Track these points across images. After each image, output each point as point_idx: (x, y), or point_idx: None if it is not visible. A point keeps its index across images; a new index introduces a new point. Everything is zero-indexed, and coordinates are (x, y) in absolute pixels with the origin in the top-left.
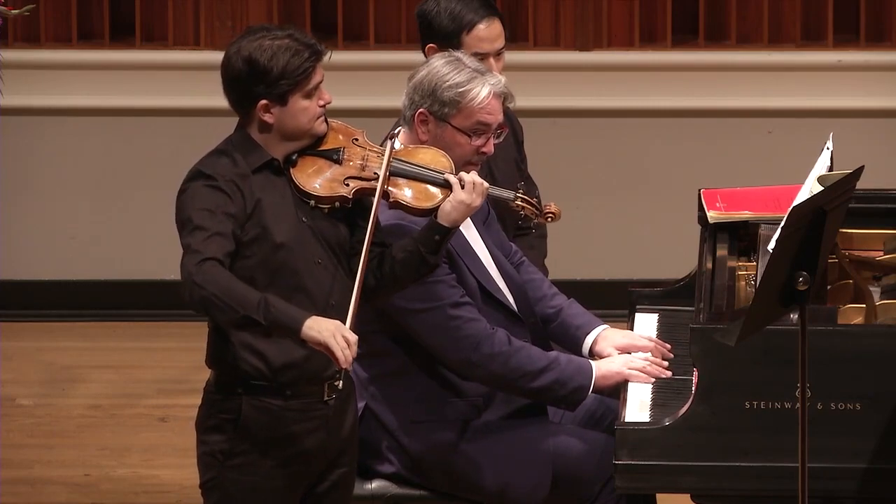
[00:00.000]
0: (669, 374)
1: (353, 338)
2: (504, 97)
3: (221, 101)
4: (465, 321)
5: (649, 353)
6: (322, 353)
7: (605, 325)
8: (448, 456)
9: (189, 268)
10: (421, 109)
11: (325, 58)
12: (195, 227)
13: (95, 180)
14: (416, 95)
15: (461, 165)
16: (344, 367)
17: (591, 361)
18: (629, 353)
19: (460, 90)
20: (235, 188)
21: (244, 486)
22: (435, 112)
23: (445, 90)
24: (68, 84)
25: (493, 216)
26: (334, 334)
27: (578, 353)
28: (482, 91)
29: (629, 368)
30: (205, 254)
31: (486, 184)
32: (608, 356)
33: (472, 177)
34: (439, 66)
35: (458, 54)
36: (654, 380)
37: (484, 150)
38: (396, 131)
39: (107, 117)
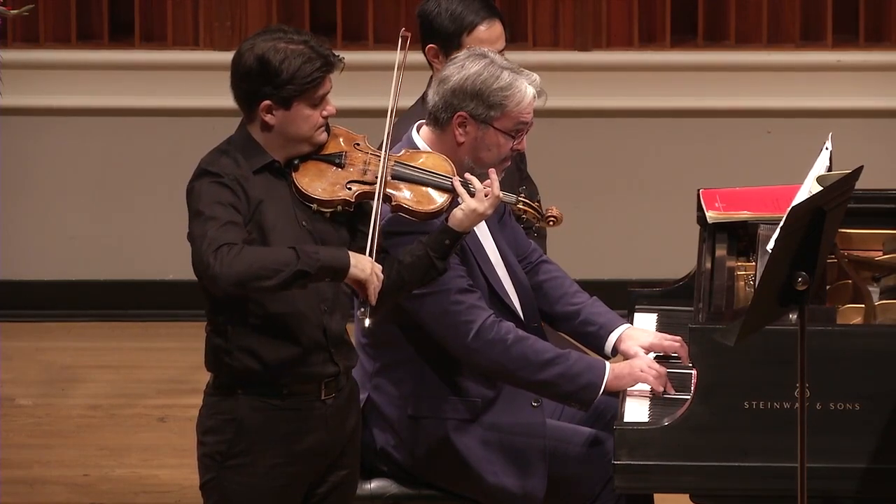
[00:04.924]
0: (673, 392)
1: (381, 275)
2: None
3: (220, 102)
4: (468, 306)
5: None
6: (318, 353)
7: (627, 324)
8: (445, 453)
9: (208, 256)
10: (460, 112)
11: (338, 69)
12: (208, 218)
13: (95, 180)
14: (456, 99)
15: (497, 164)
16: (372, 302)
17: (605, 361)
18: (655, 351)
19: (506, 94)
20: (239, 187)
21: (243, 487)
22: (478, 115)
23: (491, 94)
24: (67, 84)
25: (510, 213)
26: (373, 271)
27: (601, 352)
28: (527, 94)
29: (642, 371)
30: (220, 240)
31: (498, 192)
32: (634, 355)
33: (484, 185)
34: (479, 69)
35: (486, 52)
36: (661, 389)
37: (518, 147)
38: (416, 126)
39: (106, 117)
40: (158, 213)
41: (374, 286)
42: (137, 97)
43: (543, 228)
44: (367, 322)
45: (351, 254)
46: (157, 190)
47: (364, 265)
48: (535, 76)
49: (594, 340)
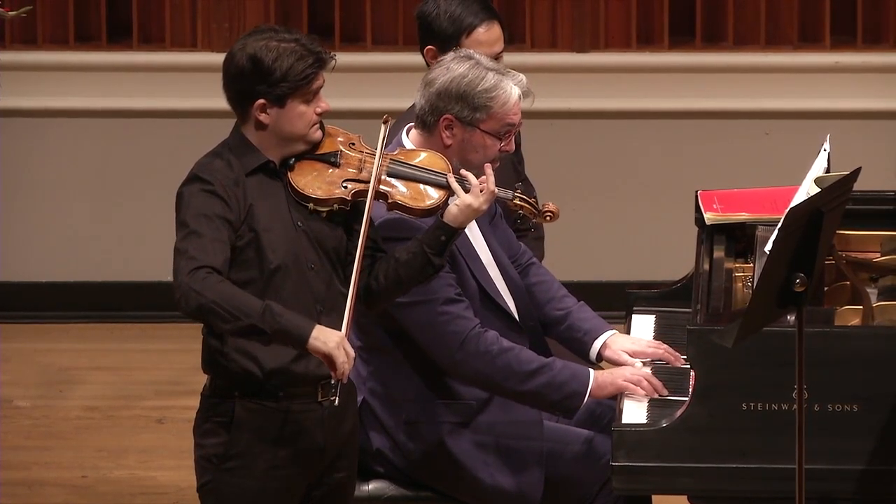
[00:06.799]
0: (666, 392)
1: (353, 353)
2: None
3: (219, 103)
4: (454, 317)
5: (649, 370)
6: (315, 357)
7: (613, 331)
8: (441, 457)
9: (184, 274)
10: (446, 115)
11: (330, 66)
12: (191, 232)
13: (93, 182)
14: (441, 102)
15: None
16: (341, 380)
17: (590, 369)
18: (639, 358)
19: (491, 95)
20: (231, 193)
21: (240, 489)
22: (464, 118)
23: (476, 96)
24: (65, 85)
25: (501, 214)
26: (339, 346)
27: (586, 358)
28: (513, 95)
29: (625, 380)
30: (201, 261)
31: (493, 187)
32: (619, 361)
33: (480, 181)
34: (464, 71)
35: (472, 54)
36: (647, 396)
37: (506, 148)
38: (406, 129)
39: (104, 119)
40: (157, 215)
41: (342, 361)
42: (136, 98)
43: (541, 226)
44: (335, 402)
45: (318, 327)
46: (156, 191)
47: (328, 338)
48: (521, 77)
49: (580, 346)
